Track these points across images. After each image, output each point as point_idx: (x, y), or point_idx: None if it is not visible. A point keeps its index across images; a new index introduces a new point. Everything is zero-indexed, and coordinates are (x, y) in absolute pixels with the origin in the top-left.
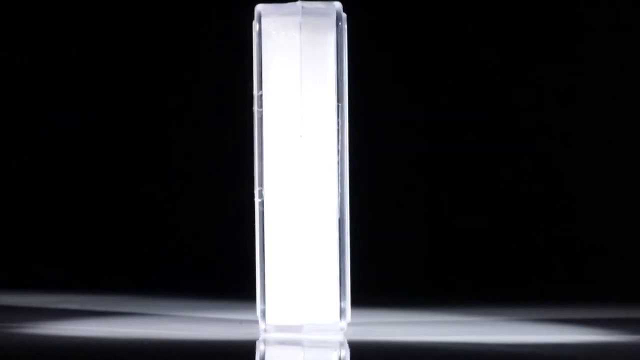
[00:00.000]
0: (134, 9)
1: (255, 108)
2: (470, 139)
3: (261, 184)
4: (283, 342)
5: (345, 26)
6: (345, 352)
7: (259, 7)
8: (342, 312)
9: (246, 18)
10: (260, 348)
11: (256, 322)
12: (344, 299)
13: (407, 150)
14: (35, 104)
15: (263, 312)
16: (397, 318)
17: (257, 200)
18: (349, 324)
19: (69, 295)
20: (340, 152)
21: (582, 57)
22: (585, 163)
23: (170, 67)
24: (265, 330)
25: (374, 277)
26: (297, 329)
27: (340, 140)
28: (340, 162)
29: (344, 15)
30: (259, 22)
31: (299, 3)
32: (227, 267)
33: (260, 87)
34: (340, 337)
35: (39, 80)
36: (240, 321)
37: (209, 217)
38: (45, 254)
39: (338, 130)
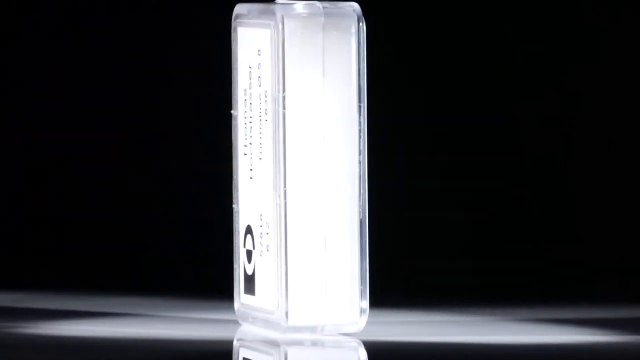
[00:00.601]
0: (128, 9)
1: (233, 112)
2: (470, 138)
3: (284, 185)
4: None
5: (365, 27)
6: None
7: (278, 8)
8: (362, 311)
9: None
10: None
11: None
12: (364, 299)
13: (404, 150)
14: (30, 104)
15: (286, 313)
16: (396, 318)
17: (279, 201)
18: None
19: (68, 295)
20: (361, 153)
21: (582, 57)
22: (585, 163)
23: (169, 66)
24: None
25: (377, 277)
26: (317, 329)
27: (361, 141)
28: (362, 163)
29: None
30: (282, 22)
31: (318, 3)
32: (222, 267)
33: (283, 89)
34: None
35: (37, 80)
36: (239, 322)
37: (204, 217)
38: (45, 254)
39: (360, 131)
